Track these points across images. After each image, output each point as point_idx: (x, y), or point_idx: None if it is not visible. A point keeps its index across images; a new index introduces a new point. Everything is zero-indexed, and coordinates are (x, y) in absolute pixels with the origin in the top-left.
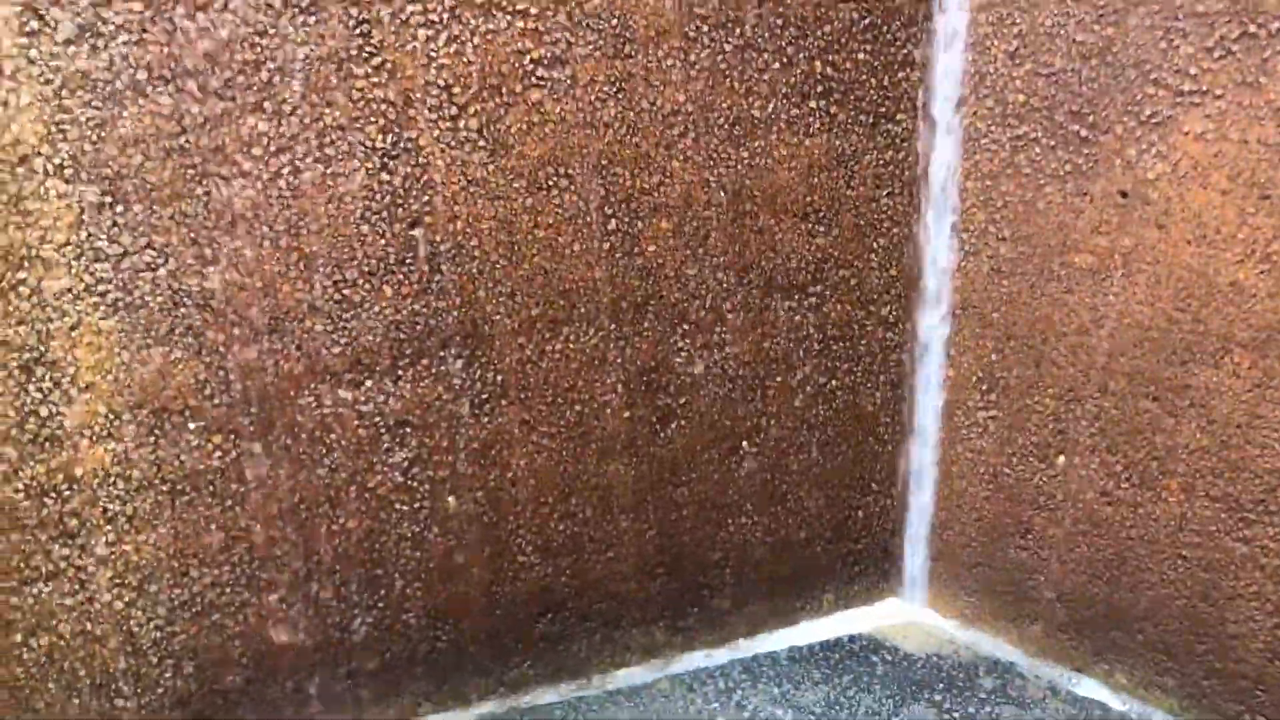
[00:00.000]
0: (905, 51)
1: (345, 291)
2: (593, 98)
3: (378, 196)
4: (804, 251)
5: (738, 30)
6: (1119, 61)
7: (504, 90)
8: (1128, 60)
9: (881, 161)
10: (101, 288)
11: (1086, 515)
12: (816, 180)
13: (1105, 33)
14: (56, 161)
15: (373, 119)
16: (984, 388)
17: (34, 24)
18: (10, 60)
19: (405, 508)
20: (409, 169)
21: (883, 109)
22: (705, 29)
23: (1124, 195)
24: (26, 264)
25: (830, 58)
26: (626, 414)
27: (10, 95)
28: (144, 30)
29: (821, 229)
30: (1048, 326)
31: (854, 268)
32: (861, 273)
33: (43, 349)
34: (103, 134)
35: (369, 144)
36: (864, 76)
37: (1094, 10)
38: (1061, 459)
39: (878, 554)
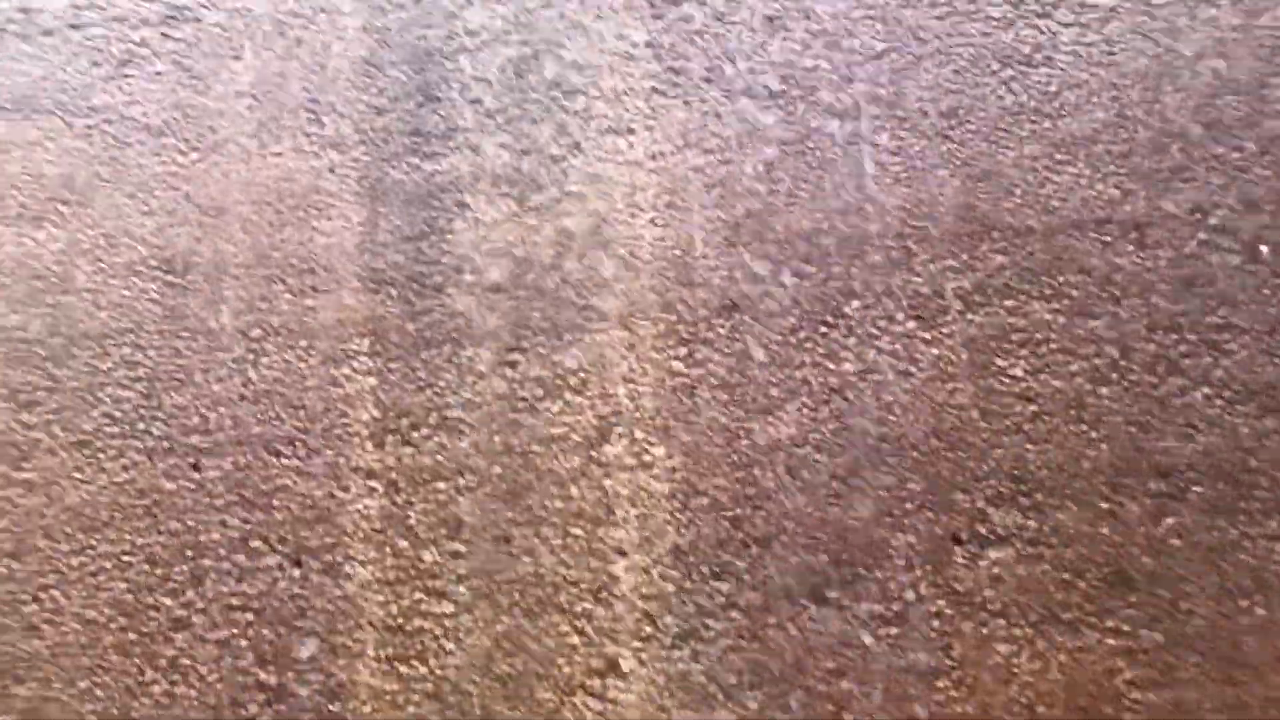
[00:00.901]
0: None
1: None
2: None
3: None
4: None
5: None
6: None
7: (1093, 711)
8: None
9: None
10: None
11: None
12: None
13: None
14: None
15: None
16: None
17: (648, 628)
18: (626, 662)
19: None
20: None
21: None
22: None
23: None
24: None
25: None
26: None
27: (623, 695)
28: (739, 636)
29: None
30: None
31: None
32: None
33: None
34: None
35: None
36: None
37: None
38: None
39: None
